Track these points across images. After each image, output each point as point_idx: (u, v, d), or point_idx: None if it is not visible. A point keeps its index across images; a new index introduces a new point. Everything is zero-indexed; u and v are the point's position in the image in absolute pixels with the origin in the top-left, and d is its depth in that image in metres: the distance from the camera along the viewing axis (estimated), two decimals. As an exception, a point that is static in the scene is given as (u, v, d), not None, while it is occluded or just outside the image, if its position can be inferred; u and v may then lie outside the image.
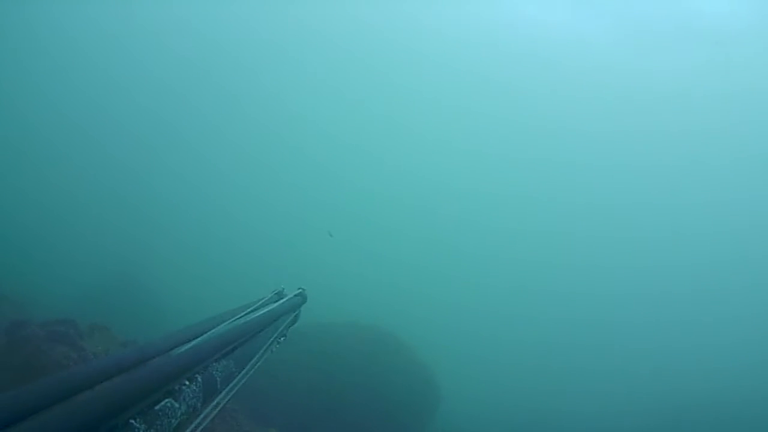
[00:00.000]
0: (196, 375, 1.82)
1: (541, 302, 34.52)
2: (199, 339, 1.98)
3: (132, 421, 1.40)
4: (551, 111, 43.21)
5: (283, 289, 3.18)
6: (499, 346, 27.82)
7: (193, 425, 1.72)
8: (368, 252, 36.09)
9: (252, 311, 2.60)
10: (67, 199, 30.80)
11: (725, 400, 22.12)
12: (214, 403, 1.92)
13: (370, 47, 44.47)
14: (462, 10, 40.79)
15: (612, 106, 42.27)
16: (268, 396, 12.39)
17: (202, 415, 1.79)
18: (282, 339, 2.88)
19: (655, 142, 41.64)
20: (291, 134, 44.51)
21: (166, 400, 1.58)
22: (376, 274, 32.74)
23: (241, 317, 2.47)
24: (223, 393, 2.00)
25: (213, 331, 2.11)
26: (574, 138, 43.01)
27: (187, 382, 1.74)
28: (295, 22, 42.84)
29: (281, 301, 3.02)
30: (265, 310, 2.74)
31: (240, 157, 43.18)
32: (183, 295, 20.46)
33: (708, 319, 33.36)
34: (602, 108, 42.58)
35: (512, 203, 42.95)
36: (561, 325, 31.91)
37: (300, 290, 3.30)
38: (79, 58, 41.23)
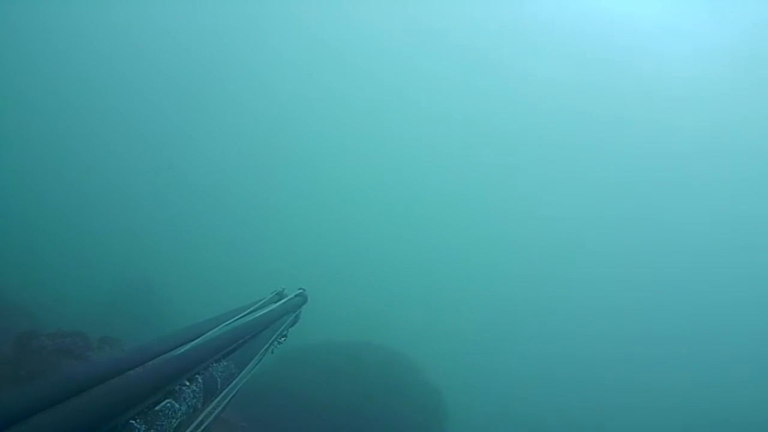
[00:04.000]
0: (197, 375, 1.83)
1: (545, 312, 34.17)
2: (199, 339, 1.99)
3: (132, 421, 1.41)
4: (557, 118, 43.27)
5: (284, 289, 3.17)
6: (505, 357, 27.66)
7: (193, 425, 1.73)
8: (370, 261, 35.99)
9: (252, 311, 2.61)
10: (80, 202, 30.88)
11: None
12: (215, 403, 1.93)
13: (379, 51, 44.65)
14: (463, 10, 40.96)
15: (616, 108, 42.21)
16: (281, 413, 12.61)
17: (202, 415, 1.81)
18: (282, 339, 2.88)
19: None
20: (300, 139, 44.65)
21: (167, 400, 1.59)
22: (379, 286, 32.54)
23: (241, 317, 2.48)
24: (224, 393, 2.01)
25: (213, 331, 2.12)
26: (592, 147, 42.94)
27: (187, 383, 1.75)
28: (302, 27, 43.03)
29: (281, 301, 3.02)
30: (266, 310, 2.75)
31: (247, 159, 43.27)
32: (195, 301, 20.27)
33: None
34: (608, 114, 42.50)
35: (517, 211, 42.81)
36: (568, 336, 31.66)
37: (300, 291, 3.28)
38: (90, 58, 41.50)
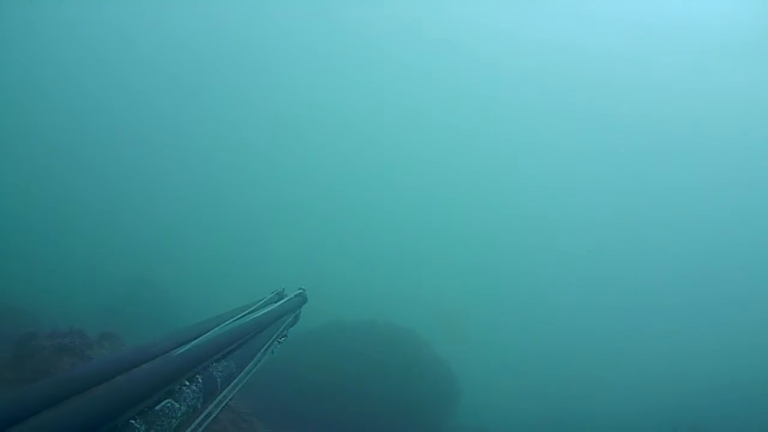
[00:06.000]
0: (197, 375, 1.83)
1: (559, 289, 34.41)
2: (199, 339, 1.99)
3: (132, 421, 1.41)
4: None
5: (284, 289, 3.18)
6: (515, 336, 27.72)
7: (193, 425, 1.73)
8: (378, 246, 36.20)
9: (252, 312, 2.62)
10: (79, 204, 30.94)
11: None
12: (215, 403, 1.93)
13: (389, 43, 44.95)
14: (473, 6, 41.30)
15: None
16: (287, 399, 12.43)
17: (202, 416, 1.81)
18: (282, 339, 2.88)
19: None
20: (302, 129, 44.81)
21: (167, 400, 1.59)
22: (386, 268, 32.75)
23: (241, 318, 2.49)
24: (224, 393, 2.01)
25: (213, 331, 2.12)
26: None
27: (187, 383, 1.75)
28: (307, 19, 43.17)
29: (281, 301, 3.02)
30: (266, 310, 2.75)
31: (250, 154, 43.35)
32: (199, 297, 20.06)
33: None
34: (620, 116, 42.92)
35: (525, 196, 43.08)
36: (579, 311, 31.86)
37: (300, 290, 3.28)
38: (85, 55, 41.44)
